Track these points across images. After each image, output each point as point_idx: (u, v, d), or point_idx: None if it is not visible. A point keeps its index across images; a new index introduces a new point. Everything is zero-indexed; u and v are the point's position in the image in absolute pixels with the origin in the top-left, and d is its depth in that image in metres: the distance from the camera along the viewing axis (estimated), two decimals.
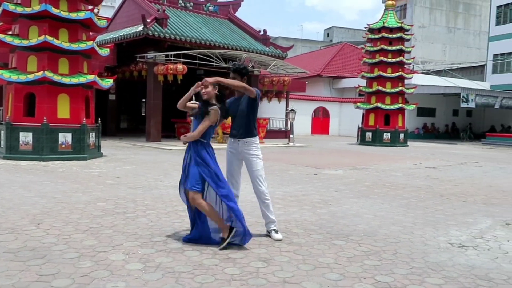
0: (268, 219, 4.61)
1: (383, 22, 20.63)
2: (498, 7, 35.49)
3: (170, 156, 12.78)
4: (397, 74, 20.33)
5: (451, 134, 30.57)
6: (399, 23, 20.59)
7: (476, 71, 38.15)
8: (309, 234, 4.75)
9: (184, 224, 5.00)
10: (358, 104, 21.40)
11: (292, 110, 19.01)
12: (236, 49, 18.28)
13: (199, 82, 4.21)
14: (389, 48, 20.39)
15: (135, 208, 5.77)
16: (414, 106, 21.22)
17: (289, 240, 4.48)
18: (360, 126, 21.80)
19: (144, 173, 8.98)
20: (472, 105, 25.31)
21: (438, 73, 34.60)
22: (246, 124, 4.46)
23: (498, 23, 35.56)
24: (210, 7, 21.29)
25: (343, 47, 38.33)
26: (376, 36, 20.67)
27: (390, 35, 20.45)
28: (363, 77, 21.37)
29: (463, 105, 25.05)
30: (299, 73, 20.22)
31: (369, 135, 20.86)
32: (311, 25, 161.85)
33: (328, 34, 79.99)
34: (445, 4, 45.03)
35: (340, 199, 6.86)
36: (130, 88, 23.43)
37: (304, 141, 21.51)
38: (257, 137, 4.57)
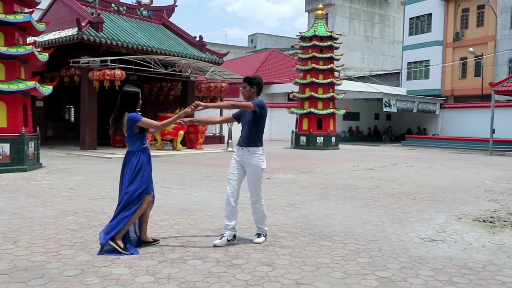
0: (256, 224, 4.80)
1: (314, 30, 21.56)
2: (411, 19, 38.50)
3: (114, 164, 12.35)
4: (328, 80, 21.34)
5: (374, 136, 32.56)
6: (329, 32, 21.63)
7: (392, 77, 41.02)
8: (295, 237, 4.96)
9: (169, 233, 4.99)
10: (292, 109, 22.11)
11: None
12: (174, 55, 18.09)
13: (193, 105, 4.42)
14: (320, 55, 21.33)
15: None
16: (344, 111, 22.38)
17: (279, 244, 4.66)
18: (294, 130, 22.53)
19: (98, 184, 8.65)
20: (393, 109, 27.19)
21: (360, 79, 36.70)
22: (249, 134, 4.63)
23: (410, 34, 38.57)
24: (143, 12, 20.84)
25: (270, 53, 39.29)
26: (308, 44, 21.54)
27: (321, 43, 21.41)
28: (296, 83, 22.13)
29: (386, 109, 26.81)
30: (236, 79, 20.45)
31: (303, 139, 21.63)
32: (233, 31, 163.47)
33: (252, 40, 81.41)
34: (363, 14, 47.91)
35: (304, 202, 7.16)
36: (57, 94, 22.18)
37: None
38: (260, 147, 4.69)
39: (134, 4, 20.89)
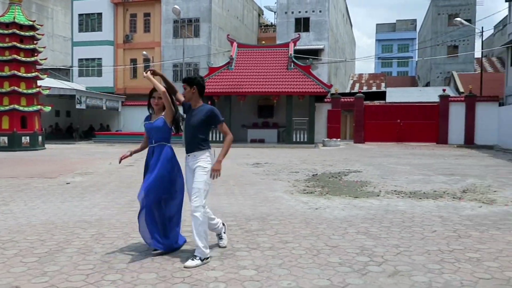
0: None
1: (13, 17, 19.09)
2: (80, 15, 38.41)
3: None
4: (33, 74, 19.43)
5: (55, 133, 30.96)
6: (31, 21, 19.64)
7: (61, 72, 39.67)
8: (281, 221, 5.78)
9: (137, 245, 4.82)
10: None
11: None
12: None
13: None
14: (22, 46, 19.13)
15: (60, 238, 4.64)
16: (50, 108, 20.87)
17: (280, 225, 5.40)
18: None
19: None
20: (83, 106, 27.04)
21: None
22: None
23: (81, 30, 38.49)
24: None
25: None
26: (6, 32, 18.88)
27: (22, 33, 19.18)
28: None
29: (78, 106, 26.36)
30: None
31: (4, 139, 18.89)
32: None
33: None
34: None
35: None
36: None
37: None
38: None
39: None
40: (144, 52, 34.63)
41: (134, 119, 32.51)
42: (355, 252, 4.47)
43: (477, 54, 50.32)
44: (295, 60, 24.69)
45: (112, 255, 4.29)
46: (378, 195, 8.04)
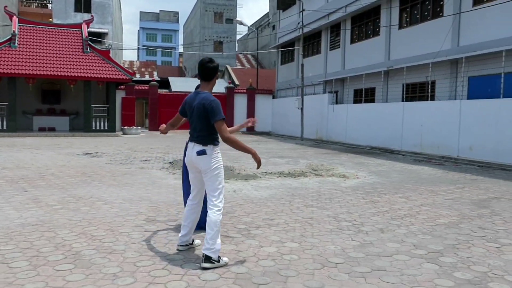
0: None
1: None
2: None
3: None
4: None
5: None
6: None
7: None
8: (231, 204, 6.02)
9: (165, 238, 4.74)
10: None
11: None
12: None
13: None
14: None
15: (46, 243, 4.03)
16: None
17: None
18: None
19: None
20: None
21: None
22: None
23: None
24: None
25: None
26: None
27: None
28: None
29: None
30: None
31: None
32: None
33: None
34: None
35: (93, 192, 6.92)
36: None
37: None
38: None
39: None
40: None
41: None
42: (332, 220, 5.50)
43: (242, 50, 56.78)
44: (91, 44, 23.21)
45: (148, 251, 4.16)
46: (260, 177, 9.14)
